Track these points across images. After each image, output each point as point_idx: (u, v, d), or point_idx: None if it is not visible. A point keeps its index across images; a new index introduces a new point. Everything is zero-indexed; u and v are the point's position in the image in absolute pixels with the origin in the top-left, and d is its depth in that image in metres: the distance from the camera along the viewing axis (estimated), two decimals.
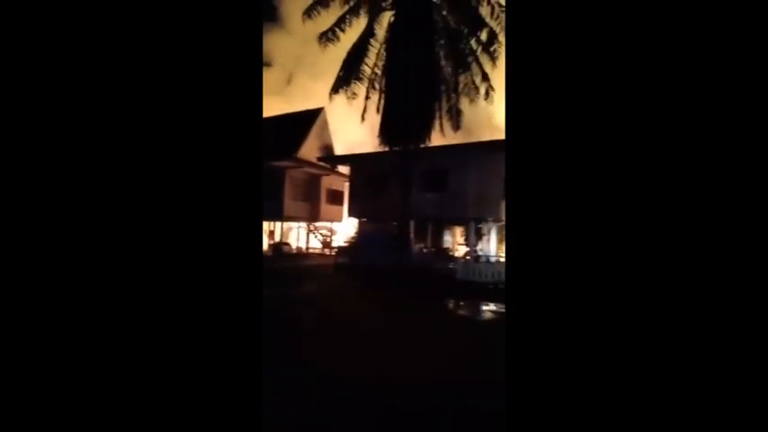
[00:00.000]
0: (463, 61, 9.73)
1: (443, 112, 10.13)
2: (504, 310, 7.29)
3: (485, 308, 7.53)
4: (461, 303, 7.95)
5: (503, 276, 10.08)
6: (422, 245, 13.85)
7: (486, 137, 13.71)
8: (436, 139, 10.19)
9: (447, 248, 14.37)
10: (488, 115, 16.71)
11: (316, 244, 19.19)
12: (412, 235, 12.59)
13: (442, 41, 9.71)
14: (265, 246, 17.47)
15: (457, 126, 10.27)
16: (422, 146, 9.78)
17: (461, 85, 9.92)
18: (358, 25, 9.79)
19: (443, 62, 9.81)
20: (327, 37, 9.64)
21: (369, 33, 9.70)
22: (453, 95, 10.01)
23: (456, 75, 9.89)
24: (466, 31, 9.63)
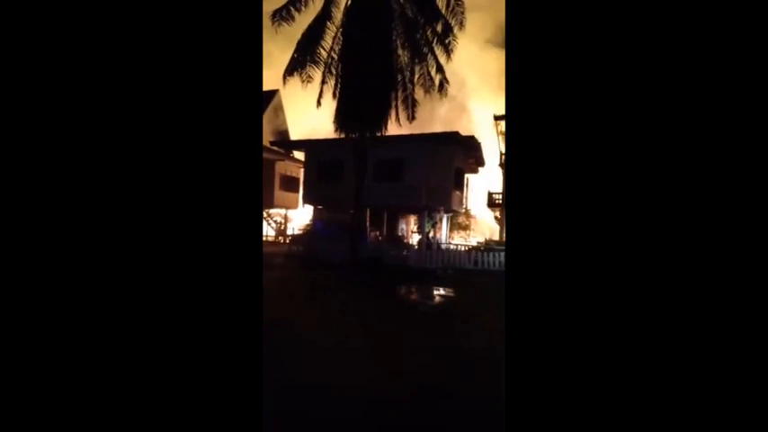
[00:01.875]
0: (419, 51, 9.83)
1: (399, 101, 10.20)
2: (452, 295, 7.71)
3: (435, 292, 7.90)
4: (414, 288, 8.23)
5: (452, 261, 10.64)
6: (377, 232, 14.03)
7: (431, 129, 13.96)
8: (391, 129, 10.26)
9: (401, 236, 14.70)
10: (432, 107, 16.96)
11: (269, 232, 18.64)
12: (368, 223, 12.71)
13: (400, 29, 9.72)
14: None
15: (412, 116, 10.40)
16: (378, 134, 9.81)
17: (417, 76, 10.03)
18: (314, 6, 9.47)
19: (400, 51, 9.84)
20: (281, 16, 9.20)
21: (325, 15, 9.44)
22: (410, 85, 10.11)
23: (412, 64, 9.97)
24: (422, 21, 9.71)
